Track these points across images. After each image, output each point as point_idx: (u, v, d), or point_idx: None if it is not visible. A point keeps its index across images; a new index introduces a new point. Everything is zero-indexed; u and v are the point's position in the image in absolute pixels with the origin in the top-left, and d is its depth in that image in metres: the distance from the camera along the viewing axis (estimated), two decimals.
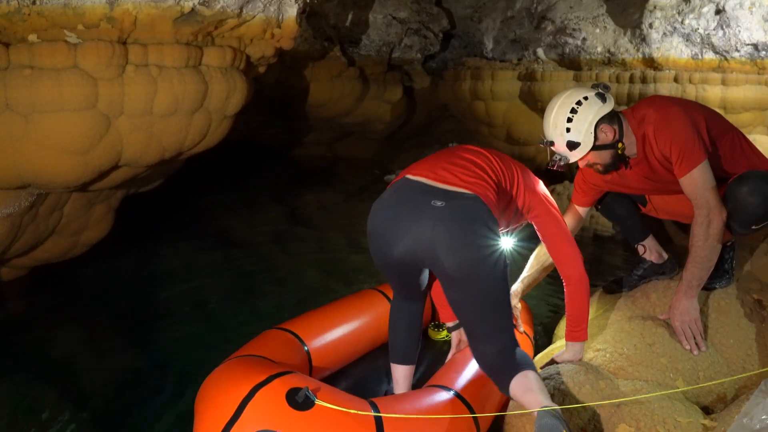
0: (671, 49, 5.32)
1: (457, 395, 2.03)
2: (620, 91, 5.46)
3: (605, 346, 2.21)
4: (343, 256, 4.49)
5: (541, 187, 2.28)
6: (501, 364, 1.91)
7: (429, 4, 6.66)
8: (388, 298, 2.69)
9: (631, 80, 5.60)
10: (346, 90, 6.55)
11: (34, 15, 2.32)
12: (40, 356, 2.87)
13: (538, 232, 2.24)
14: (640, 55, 5.50)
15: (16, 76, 2.43)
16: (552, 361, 2.28)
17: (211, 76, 2.96)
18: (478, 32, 6.66)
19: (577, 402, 1.98)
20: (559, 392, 2.03)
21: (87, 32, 2.47)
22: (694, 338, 2.12)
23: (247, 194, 6.65)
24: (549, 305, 3.34)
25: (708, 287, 2.31)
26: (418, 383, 2.36)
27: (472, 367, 2.20)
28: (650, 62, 5.46)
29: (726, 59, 5.12)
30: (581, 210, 2.56)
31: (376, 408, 1.81)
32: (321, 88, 6.41)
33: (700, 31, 5.17)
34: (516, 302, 2.66)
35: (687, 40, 5.26)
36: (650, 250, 2.56)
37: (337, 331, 2.49)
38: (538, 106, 6.06)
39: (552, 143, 2.23)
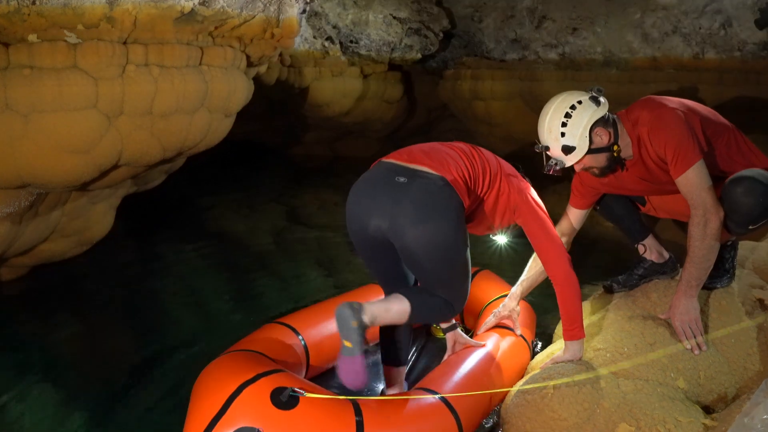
0: (672, 48, 5.32)
1: (443, 400, 2.03)
2: (621, 92, 5.45)
3: (605, 345, 2.21)
4: (343, 255, 4.49)
5: (529, 190, 2.30)
6: (434, 307, 2.12)
7: (429, 4, 6.65)
8: None
9: (631, 80, 5.60)
10: (347, 90, 6.55)
11: (34, 15, 2.32)
12: (41, 354, 2.87)
13: (525, 233, 2.27)
14: (641, 55, 5.49)
15: (16, 76, 2.42)
16: (553, 362, 2.29)
17: (211, 76, 2.95)
18: (478, 32, 6.65)
19: (580, 402, 1.98)
20: (559, 392, 2.03)
21: (87, 32, 2.46)
22: (695, 338, 2.12)
23: (247, 193, 6.66)
24: (548, 305, 3.34)
25: (709, 287, 2.30)
26: (414, 383, 2.37)
27: (461, 372, 2.21)
28: (651, 62, 5.46)
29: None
30: (579, 212, 2.56)
31: (358, 409, 1.84)
32: (321, 88, 6.41)
33: (702, 30, 5.17)
34: (515, 305, 2.65)
35: (688, 40, 5.26)
36: (650, 250, 2.55)
37: (335, 326, 2.50)
38: (538, 105, 6.05)
39: (547, 148, 2.22)
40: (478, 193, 2.20)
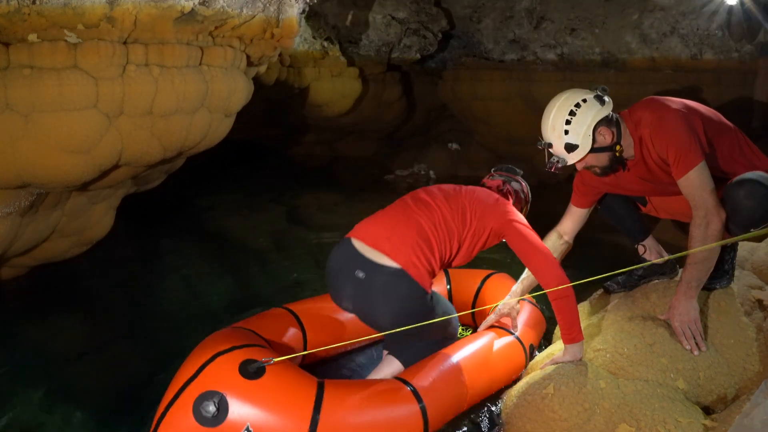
0: (670, 49, 5.33)
1: (413, 391, 2.09)
2: (620, 92, 5.46)
3: (605, 346, 2.22)
4: None
5: (504, 207, 2.37)
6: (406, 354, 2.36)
7: (428, 5, 6.65)
8: None
9: (630, 81, 5.60)
10: (346, 90, 6.54)
11: (34, 15, 2.31)
12: (40, 354, 2.87)
13: (513, 250, 2.37)
14: (639, 56, 5.50)
15: (16, 76, 2.42)
16: (553, 363, 2.29)
17: (211, 76, 2.95)
18: (477, 32, 6.65)
19: (580, 403, 1.98)
20: (559, 392, 2.03)
21: (87, 32, 2.46)
22: (694, 338, 2.12)
23: (247, 193, 6.65)
24: (548, 306, 3.34)
25: (708, 287, 2.31)
26: None
27: (441, 367, 2.25)
28: (649, 62, 5.46)
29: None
30: (580, 211, 2.56)
31: (322, 388, 1.97)
32: (320, 88, 6.40)
33: (700, 31, 5.18)
34: (515, 302, 2.65)
35: (686, 41, 5.26)
36: (650, 250, 2.56)
37: (334, 313, 2.61)
38: (537, 106, 6.06)
39: (550, 145, 2.23)
40: (450, 252, 2.34)
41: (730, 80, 5.29)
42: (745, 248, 2.70)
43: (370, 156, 8.55)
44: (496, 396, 2.46)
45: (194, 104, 2.91)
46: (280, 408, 1.88)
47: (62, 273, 3.77)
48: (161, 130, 2.85)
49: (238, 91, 3.21)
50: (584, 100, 2.18)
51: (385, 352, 2.46)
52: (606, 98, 2.21)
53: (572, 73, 5.92)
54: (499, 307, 2.67)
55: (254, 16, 3.02)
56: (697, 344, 2.11)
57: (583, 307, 2.72)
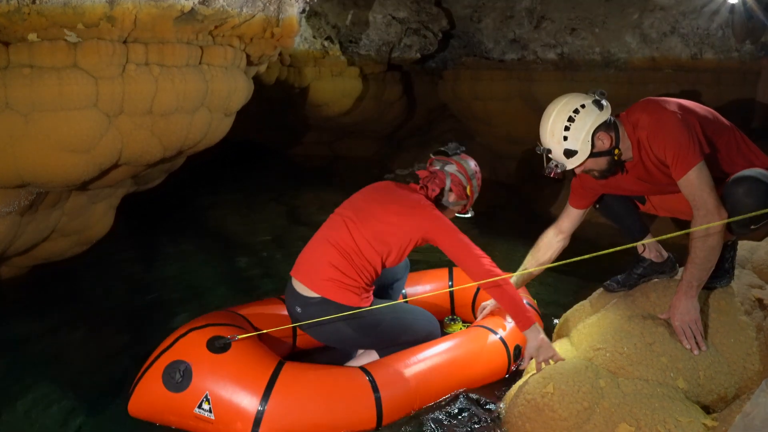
0: (670, 49, 5.33)
1: (371, 381, 2.18)
2: (620, 92, 5.46)
3: (605, 345, 2.21)
4: None
5: (421, 213, 2.40)
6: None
7: (428, 4, 6.65)
8: None
9: (630, 81, 5.60)
10: (346, 89, 6.54)
11: (34, 14, 2.31)
12: (40, 353, 2.87)
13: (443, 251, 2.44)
14: (640, 55, 5.49)
15: (15, 75, 2.42)
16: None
17: (211, 75, 2.95)
18: (477, 32, 6.64)
19: (579, 402, 1.98)
20: (558, 391, 2.03)
21: (87, 31, 2.46)
22: (695, 338, 2.12)
23: (247, 193, 6.65)
24: (544, 307, 3.34)
25: (708, 286, 2.30)
26: None
27: (406, 363, 2.33)
28: (650, 62, 5.46)
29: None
30: (578, 212, 2.57)
31: (279, 367, 2.15)
32: (320, 88, 6.40)
33: (700, 31, 5.17)
34: None
35: (686, 40, 5.26)
36: (650, 249, 2.56)
37: None
38: (537, 106, 6.06)
39: (549, 151, 2.23)
40: (376, 260, 2.41)
41: (731, 80, 5.28)
42: (745, 247, 2.70)
43: (370, 156, 8.54)
44: (495, 395, 2.47)
45: (194, 103, 2.91)
46: (237, 381, 2.09)
47: (62, 272, 3.77)
48: (161, 130, 2.85)
49: (238, 91, 3.21)
50: (583, 106, 2.17)
51: None
52: (604, 102, 2.21)
53: (572, 73, 5.92)
54: (492, 302, 2.70)
55: (254, 16, 3.02)
56: (697, 344, 2.11)
57: (583, 307, 2.72)
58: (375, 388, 2.17)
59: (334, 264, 2.36)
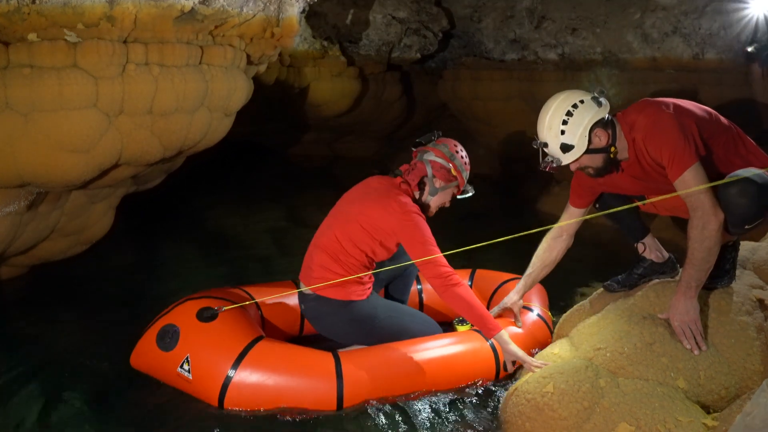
0: (672, 49, 5.32)
1: (337, 366, 2.30)
2: (620, 92, 5.45)
3: (605, 345, 2.21)
4: None
5: (393, 214, 2.49)
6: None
7: (429, 4, 6.64)
8: None
9: (631, 81, 5.59)
10: (346, 89, 6.53)
11: (34, 14, 2.31)
12: (40, 353, 2.86)
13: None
14: (641, 55, 5.49)
15: (15, 75, 2.42)
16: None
17: (211, 75, 2.95)
18: (477, 32, 6.64)
19: (579, 401, 1.98)
20: (558, 391, 2.03)
21: (87, 31, 2.46)
22: (695, 338, 2.12)
23: (246, 193, 6.65)
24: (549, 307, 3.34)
25: (709, 287, 2.30)
26: None
27: (379, 355, 2.43)
28: (651, 62, 5.45)
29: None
30: (578, 211, 2.58)
31: (254, 343, 2.34)
32: (320, 88, 6.40)
33: (702, 31, 5.17)
34: (517, 298, 2.70)
35: (688, 40, 5.25)
36: (650, 249, 2.56)
37: None
38: (537, 106, 6.04)
39: (545, 145, 2.24)
40: (365, 255, 2.56)
41: (732, 80, 5.28)
42: (746, 248, 2.70)
43: (370, 156, 8.54)
44: (495, 395, 2.46)
45: (194, 103, 2.91)
46: (215, 348, 2.34)
47: (62, 272, 3.77)
48: (161, 129, 2.85)
49: (238, 91, 3.21)
50: (582, 102, 2.19)
51: None
52: (603, 100, 2.22)
53: (573, 73, 5.91)
54: (504, 301, 2.74)
55: (254, 16, 3.01)
56: (697, 344, 2.11)
57: (583, 307, 2.72)
58: (339, 372, 2.29)
59: (323, 265, 2.55)
